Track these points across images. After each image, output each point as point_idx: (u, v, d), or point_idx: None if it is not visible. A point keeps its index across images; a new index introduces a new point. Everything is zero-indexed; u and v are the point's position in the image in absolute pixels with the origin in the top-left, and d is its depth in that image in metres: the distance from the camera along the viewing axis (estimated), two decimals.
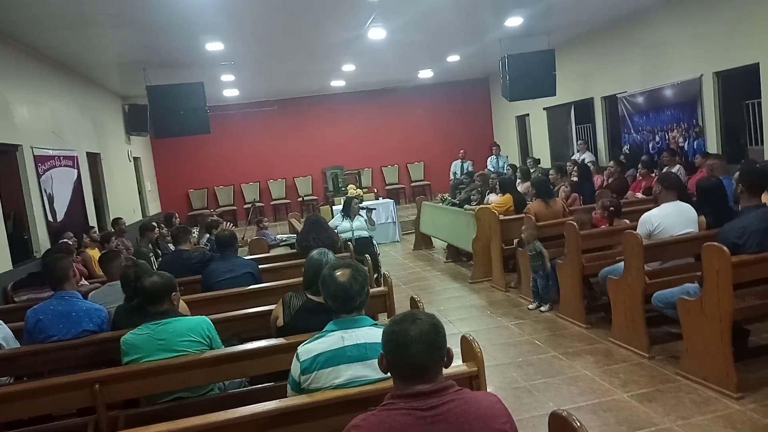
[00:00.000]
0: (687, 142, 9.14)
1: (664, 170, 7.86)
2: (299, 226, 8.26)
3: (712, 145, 8.60)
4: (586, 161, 10.14)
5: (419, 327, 1.76)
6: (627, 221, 5.67)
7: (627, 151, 10.40)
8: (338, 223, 7.63)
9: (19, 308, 4.84)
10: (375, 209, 8.28)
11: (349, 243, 6.42)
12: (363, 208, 7.85)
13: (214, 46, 8.87)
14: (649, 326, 4.64)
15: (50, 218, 7.76)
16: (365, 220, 7.73)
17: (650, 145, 9.97)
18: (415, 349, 1.73)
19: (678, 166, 8.12)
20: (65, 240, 6.85)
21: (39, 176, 7.57)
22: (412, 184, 16.55)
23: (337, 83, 14.52)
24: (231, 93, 13.90)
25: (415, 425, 1.68)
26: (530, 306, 6.16)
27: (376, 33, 9.12)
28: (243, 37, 8.82)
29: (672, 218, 4.68)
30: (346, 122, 16.12)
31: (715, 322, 3.78)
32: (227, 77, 11.73)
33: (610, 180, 8.73)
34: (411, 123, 16.47)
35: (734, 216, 4.17)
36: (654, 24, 9.57)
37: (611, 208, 5.71)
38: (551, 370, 4.56)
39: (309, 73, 12.65)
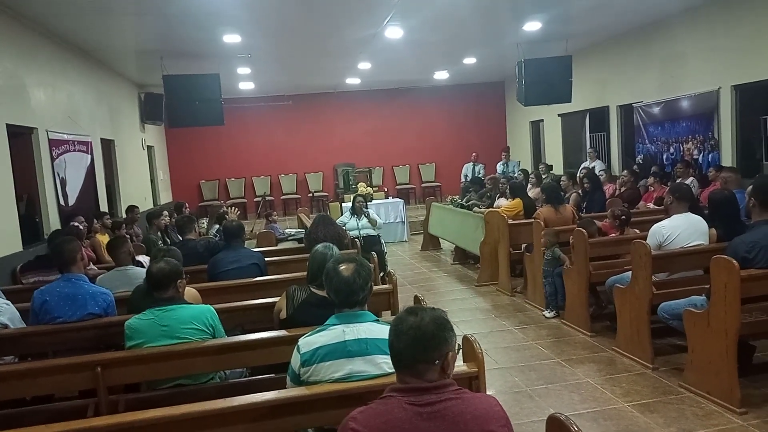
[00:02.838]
0: (702, 154, 9.07)
1: (677, 182, 7.80)
2: (308, 222, 8.28)
3: (727, 159, 8.52)
4: (597, 170, 10.08)
5: (417, 319, 1.76)
6: (637, 231, 5.64)
7: (640, 161, 10.34)
8: (346, 220, 7.66)
9: (26, 289, 4.89)
10: (369, 210, 8.08)
11: (357, 240, 6.42)
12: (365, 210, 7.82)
13: (232, 39, 8.90)
14: (654, 337, 4.61)
15: (62, 202, 7.82)
16: (375, 220, 7.74)
17: (664, 156, 9.90)
18: (404, 339, 1.75)
19: (691, 178, 8.06)
20: (75, 224, 6.89)
21: (53, 160, 7.63)
22: (423, 185, 16.54)
23: (353, 81, 14.53)
24: (246, 86, 13.94)
25: (411, 420, 1.68)
26: (546, 314, 6.04)
27: (393, 32, 9.12)
28: (261, 31, 8.84)
29: (682, 230, 4.65)
30: (360, 120, 16.14)
31: (721, 335, 3.74)
32: (243, 70, 11.77)
33: (623, 189, 8.68)
34: (424, 124, 16.47)
35: (745, 230, 4.13)
36: (672, 35, 9.50)
37: (622, 217, 5.66)
38: (553, 376, 4.53)
39: (325, 70, 12.67)
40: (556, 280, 5.84)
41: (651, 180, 8.52)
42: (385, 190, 14.02)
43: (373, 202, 9.88)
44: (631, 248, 4.61)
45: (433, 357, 1.74)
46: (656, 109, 10.04)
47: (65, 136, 8.13)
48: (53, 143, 7.67)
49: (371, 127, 16.17)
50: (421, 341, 1.73)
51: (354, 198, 7.95)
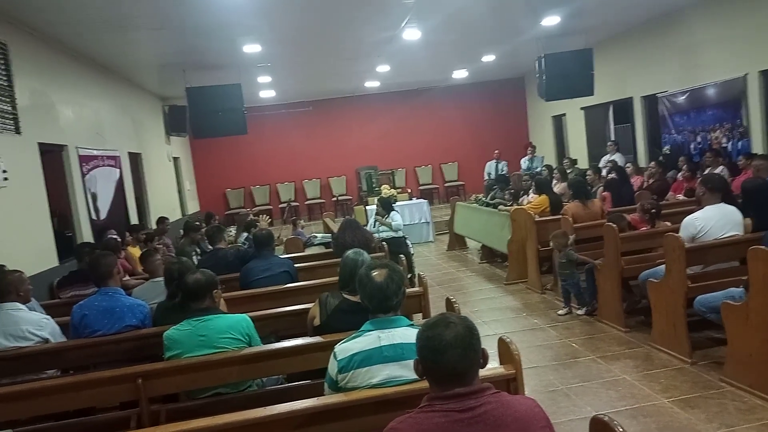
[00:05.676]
0: (731, 142, 8.89)
1: (707, 171, 7.66)
2: (334, 226, 8.31)
3: (758, 146, 8.34)
4: (616, 163, 9.87)
5: (453, 331, 1.74)
6: (668, 223, 5.54)
7: (668, 152, 10.16)
8: (373, 223, 7.66)
9: (64, 304, 5.00)
10: (380, 218, 7.76)
11: (384, 243, 6.42)
12: (379, 215, 7.70)
13: (252, 48, 8.99)
14: (691, 331, 4.53)
15: (94, 216, 7.99)
16: (389, 224, 7.61)
17: (692, 146, 9.72)
18: (450, 354, 1.72)
19: (721, 167, 7.90)
20: (112, 236, 7.02)
21: (83, 175, 7.80)
22: (446, 185, 16.49)
23: (372, 84, 14.56)
24: (267, 94, 14.07)
25: (452, 427, 1.67)
26: (560, 312, 6.04)
27: (411, 33, 9.10)
28: (280, 39, 8.92)
29: (716, 221, 4.57)
30: (380, 122, 16.15)
31: (761, 327, 3.67)
32: (264, 78, 11.88)
33: (651, 181, 8.54)
34: (445, 123, 16.42)
35: None
36: (694, 22, 9.33)
37: (652, 211, 5.58)
38: (589, 374, 4.49)
39: (344, 74, 12.73)
40: (587, 279, 5.78)
41: (685, 173, 8.29)
42: (409, 191, 14.00)
43: (398, 203, 9.83)
44: (664, 242, 4.54)
45: (477, 359, 1.77)
46: (681, 99, 9.86)
47: (94, 152, 8.30)
48: (83, 159, 7.84)
49: (392, 128, 16.18)
50: (470, 350, 1.74)
51: (381, 201, 7.95)
